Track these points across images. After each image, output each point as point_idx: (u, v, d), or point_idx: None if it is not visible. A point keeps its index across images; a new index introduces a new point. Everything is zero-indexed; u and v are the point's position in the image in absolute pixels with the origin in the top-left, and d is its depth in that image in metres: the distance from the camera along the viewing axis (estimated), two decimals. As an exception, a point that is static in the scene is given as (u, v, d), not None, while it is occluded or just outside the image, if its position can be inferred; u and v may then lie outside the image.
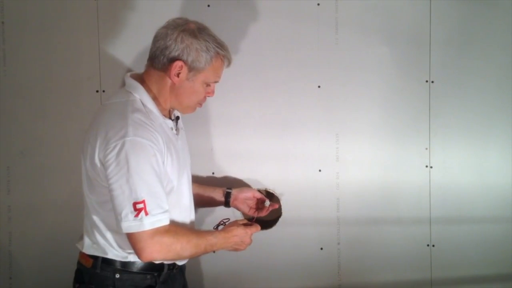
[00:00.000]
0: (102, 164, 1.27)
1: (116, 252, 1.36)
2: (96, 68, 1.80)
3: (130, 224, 1.23)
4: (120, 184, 1.23)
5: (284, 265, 1.87)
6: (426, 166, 1.86)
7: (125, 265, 1.37)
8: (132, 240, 1.25)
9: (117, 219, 1.25)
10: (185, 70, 1.34)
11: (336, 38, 1.83)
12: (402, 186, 1.86)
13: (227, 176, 1.85)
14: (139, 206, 1.22)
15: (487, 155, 1.86)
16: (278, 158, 1.84)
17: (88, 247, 1.39)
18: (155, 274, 1.40)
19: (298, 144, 1.84)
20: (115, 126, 1.26)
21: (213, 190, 1.70)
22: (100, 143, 1.27)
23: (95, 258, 1.38)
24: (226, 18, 1.80)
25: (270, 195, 1.84)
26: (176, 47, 1.32)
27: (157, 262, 1.37)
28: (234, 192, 1.69)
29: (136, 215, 1.22)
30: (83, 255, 1.41)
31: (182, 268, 1.53)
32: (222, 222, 1.55)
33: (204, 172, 1.83)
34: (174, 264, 1.46)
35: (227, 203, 1.69)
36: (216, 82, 1.43)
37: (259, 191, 1.79)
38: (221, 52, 1.37)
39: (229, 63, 1.42)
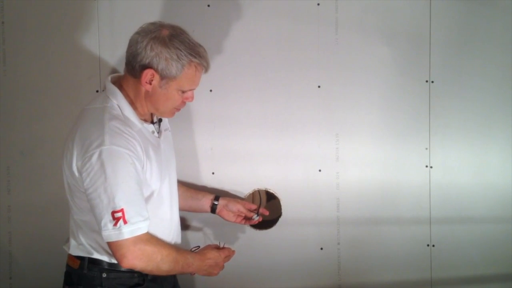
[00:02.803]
0: (80, 173, 1.27)
1: (100, 252, 1.37)
2: (96, 68, 1.80)
3: (109, 233, 1.24)
4: (98, 193, 1.23)
5: (284, 265, 1.87)
6: (426, 166, 1.86)
7: (112, 264, 1.37)
8: (113, 248, 1.26)
9: (98, 227, 1.25)
10: (157, 77, 1.31)
11: (336, 38, 1.83)
12: (402, 186, 1.86)
13: (227, 176, 1.85)
14: (118, 215, 1.22)
15: (487, 155, 1.86)
16: (278, 158, 1.84)
17: (74, 248, 1.40)
18: (142, 272, 1.38)
19: (298, 144, 1.84)
20: (92, 135, 1.26)
21: (201, 198, 1.69)
22: (78, 152, 1.27)
23: (81, 259, 1.38)
24: (226, 18, 1.80)
25: (269, 195, 1.84)
26: (146, 55, 1.29)
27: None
28: (220, 203, 1.69)
29: (115, 224, 1.23)
30: (70, 256, 1.42)
31: None
32: (193, 249, 1.54)
33: (204, 172, 1.83)
34: None
35: (213, 211, 1.70)
36: (192, 89, 1.39)
37: (258, 191, 1.79)
38: (194, 60, 1.33)
39: (206, 69, 1.38)
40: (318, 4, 1.82)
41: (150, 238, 1.29)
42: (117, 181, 1.23)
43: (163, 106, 1.38)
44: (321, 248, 1.88)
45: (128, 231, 1.24)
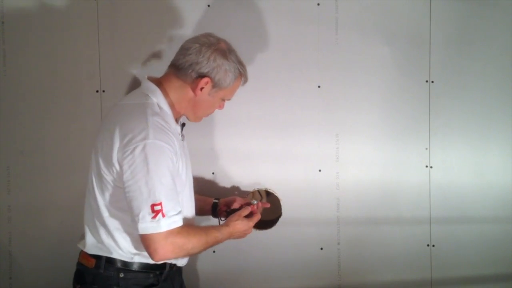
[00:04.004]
0: (120, 164, 1.28)
1: (121, 252, 1.37)
2: (96, 68, 1.80)
3: (147, 225, 1.25)
4: (139, 185, 1.25)
5: (284, 265, 1.87)
6: (426, 166, 1.86)
7: (129, 264, 1.38)
8: (147, 242, 1.27)
9: (134, 220, 1.26)
10: (209, 86, 1.39)
11: (336, 38, 1.83)
12: (402, 186, 1.86)
13: (227, 176, 1.85)
14: (157, 208, 1.24)
15: (487, 155, 1.86)
16: (278, 158, 1.84)
17: (91, 247, 1.39)
18: (157, 272, 1.41)
19: (298, 144, 1.84)
20: (135, 128, 1.28)
21: (203, 201, 1.70)
22: (119, 144, 1.28)
23: (98, 258, 1.38)
24: (226, 18, 1.80)
25: (269, 195, 1.84)
26: (207, 65, 1.37)
27: (159, 262, 1.38)
28: (221, 202, 1.70)
29: (154, 217, 1.24)
30: (84, 255, 1.41)
31: (180, 268, 1.53)
32: (222, 219, 1.60)
33: (204, 172, 1.83)
34: (174, 264, 1.47)
35: (214, 213, 1.70)
36: (229, 99, 1.50)
37: (258, 191, 1.79)
38: (243, 73, 1.45)
39: (246, 82, 1.50)
40: (318, 4, 1.82)
41: (180, 230, 1.30)
42: (158, 174, 1.25)
43: (203, 111, 1.47)
44: (321, 248, 1.88)
45: (166, 224, 1.25)
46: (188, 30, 1.79)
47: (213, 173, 1.84)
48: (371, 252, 1.88)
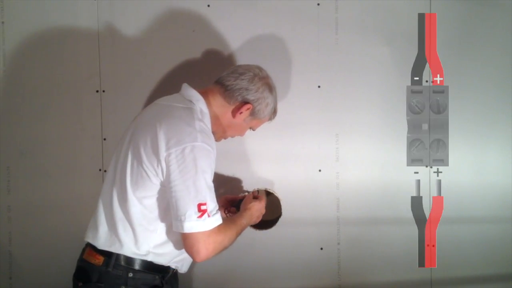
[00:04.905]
0: (166, 163, 1.30)
1: (134, 250, 1.36)
2: (96, 68, 1.80)
3: (193, 224, 1.28)
4: (187, 185, 1.28)
5: (284, 265, 1.87)
6: (426, 166, 1.86)
7: (139, 264, 1.38)
8: (191, 241, 1.29)
9: (178, 219, 1.28)
10: (248, 112, 1.49)
11: (336, 38, 1.83)
12: (402, 186, 1.86)
13: (227, 176, 1.85)
14: (203, 207, 1.29)
15: (487, 155, 1.86)
16: (278, 158, 1.84)
17: (104, 242, 1.38)
18: (161, 275, 1.42)
19: (298, 144, 1.84)
20: (184, 130, 1.32)
21: None
22: (167, 142, 1.30)
23: (107, 255, 1.37)
24: (226, 18, 1.80)
25: (269, 195, 1.84)
26: (255, 94, 1.47)
27: (167, 264, 1.43)
28: (220, 199, 1.72)
29: (200, 216, 1.28)
30: (91, 252, 1.40)
31: (177, 272, 1.55)
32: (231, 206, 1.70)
33: (204, 172, 1.83)
34: (176, 270, 1.50)
35: None
36: (254, 130, 1.60)
37: (258, 191, 1.79)
38: (275, 111, 1.58)
39: (272, 119, 1.60)
40: (318, 4, 1.82)
41: (219, 227, 1.34)
42: (205, 176, 1.30)
43: (232, 133, 1.56)
44: (321, 248, 1.88)
45: (210, 223, 1.30)
46: (188, 30, 1.79)
47: (213, 173, 1.84)
48: (371, 252, 1.88)
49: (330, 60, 1.83)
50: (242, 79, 1.47)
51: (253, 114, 1.50)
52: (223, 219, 1.37)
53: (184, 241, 1.31)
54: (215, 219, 1.32)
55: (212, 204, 1.31)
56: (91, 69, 1.80)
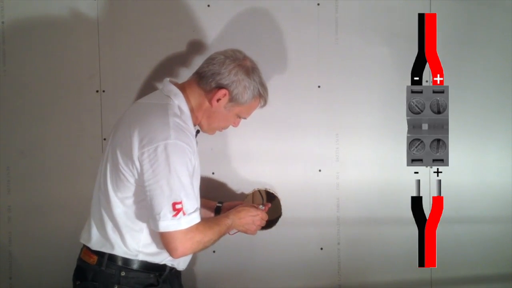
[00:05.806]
0: (140, 162, 1.29)
1: (125, 249, 1.37)
2: (96, 68, 1.80)
3: (168, 223, 1.27)
4: (161, 184, 1.27)
5: (284, 265, 1.87)
6: (426, 166, 1.86)
7: (131, 262, 1.38)
8: (167, 239, 1.29)
9: (154, 218, 1.28)
10: (226, 99, 1.42)
11: (336, 38, 1.83)
12: (402, 186, 1.86)
13: (227, 176, 1.85)
14: (178, 206, 1.27)
15: (487, 155, 1.87)
16: (278, 158, 1.84)
17: (96, 242, 1.40)
18: (157, 273, 1.42)
19: (298, 144, 1.84)
20: (157, 128, 1.30)
21: (206, 204, 1.70)
22: (139, 142, 1.29)
23: (100, 255, 1.39)
24: (226, 18, 1.80)
25: (269, 195, 1.84)
26: (227, 77, 1.40)
27: (161, 263, 1.42)
28: (224, 206, 1.71)
29: (175, 215, 1.27)
30: (86, 251, 1.42)
31: (179, 271, 1.55)
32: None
33: (204, 172, 1.83)
34: (175, 268, 1.49)
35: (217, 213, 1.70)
36: (245, 118, 1.52)
37: (258, 191, 1.79)
38: (262, 95, 1.48)
39: (263, 106, 1.52)
40: (318, 4, 1.82)
41: (198, 226, 1.33)
42: (179, 174, 1.28)
43: (216, 123, 1.49)
44: (321, 248, 1.88)
45: (186, 222, 1.28)
46: (188, 30, 1.79)
47: (213, 173, 1.84)
48: (371, 252, 1.88)
49: (330, 60, 1.83)
50: (214, 64, 1.42)
51: (232, 99, 1.43)
52: (207, 218, 1.37)
53: (161, 239, 1.31)
54: (192, 218, 1.30)
55: (188, 202, 1.29)
56: (91, 69, 1.80)
